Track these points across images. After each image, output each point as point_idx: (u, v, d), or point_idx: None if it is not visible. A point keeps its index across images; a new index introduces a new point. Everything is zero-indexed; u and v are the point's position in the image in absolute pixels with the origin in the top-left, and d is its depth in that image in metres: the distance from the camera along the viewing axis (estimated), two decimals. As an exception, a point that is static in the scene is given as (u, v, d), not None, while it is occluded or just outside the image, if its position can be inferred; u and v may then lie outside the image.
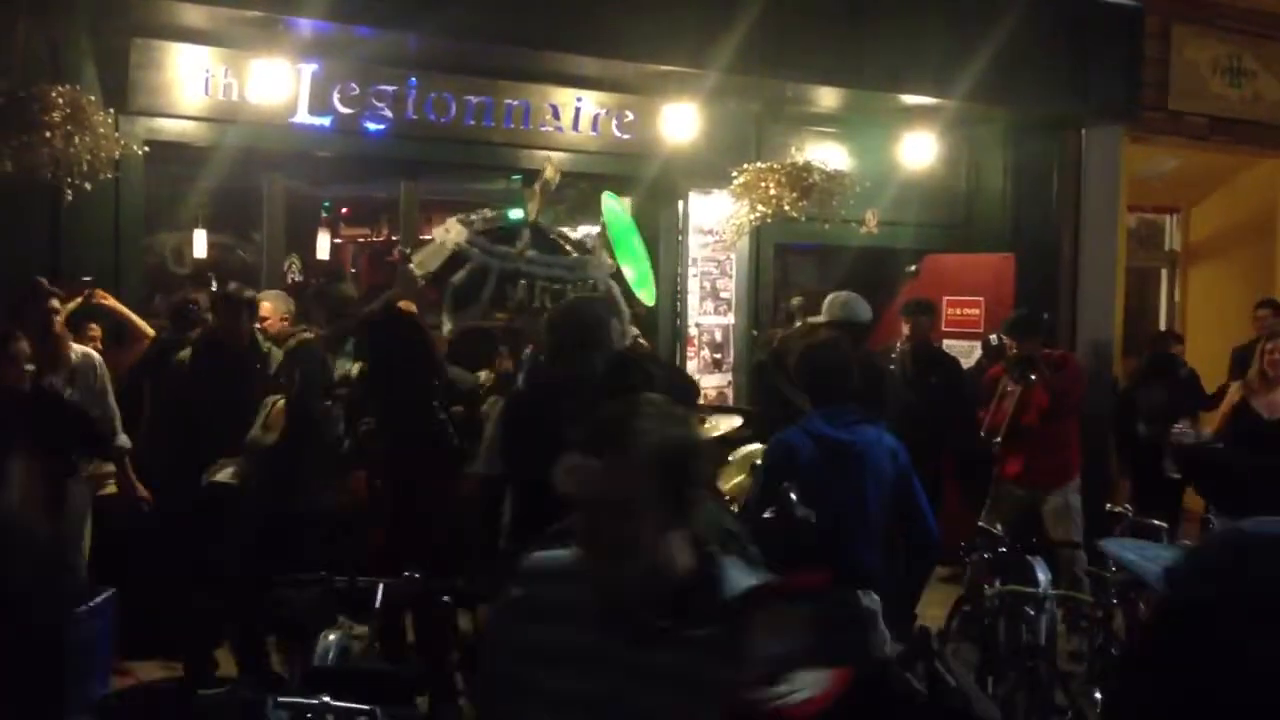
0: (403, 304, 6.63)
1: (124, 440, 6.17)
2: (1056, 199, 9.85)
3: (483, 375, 7.22)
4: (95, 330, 6.53)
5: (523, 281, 6.81)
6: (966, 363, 8.73)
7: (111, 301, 6.65)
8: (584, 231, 8.21)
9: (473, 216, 7.20)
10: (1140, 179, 10.53)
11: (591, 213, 8.46)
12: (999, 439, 7.24)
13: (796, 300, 8.71)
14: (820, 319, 7.42)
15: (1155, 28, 10.02)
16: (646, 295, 8.10)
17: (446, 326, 6.88)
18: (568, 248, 7.33)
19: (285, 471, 5.77)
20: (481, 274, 6.77)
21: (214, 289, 7.78)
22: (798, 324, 8.26)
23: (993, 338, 7.64)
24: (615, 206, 7.90)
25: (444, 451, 5.98)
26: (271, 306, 7.11)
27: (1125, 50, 9.38)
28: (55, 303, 6.00)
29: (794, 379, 4.82)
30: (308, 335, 6.89)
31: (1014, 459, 7.24)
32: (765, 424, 6.44)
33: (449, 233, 6.97)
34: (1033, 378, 7.10)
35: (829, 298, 7.18)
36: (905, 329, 8.14)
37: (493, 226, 7.09)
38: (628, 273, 7.77)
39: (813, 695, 2.14)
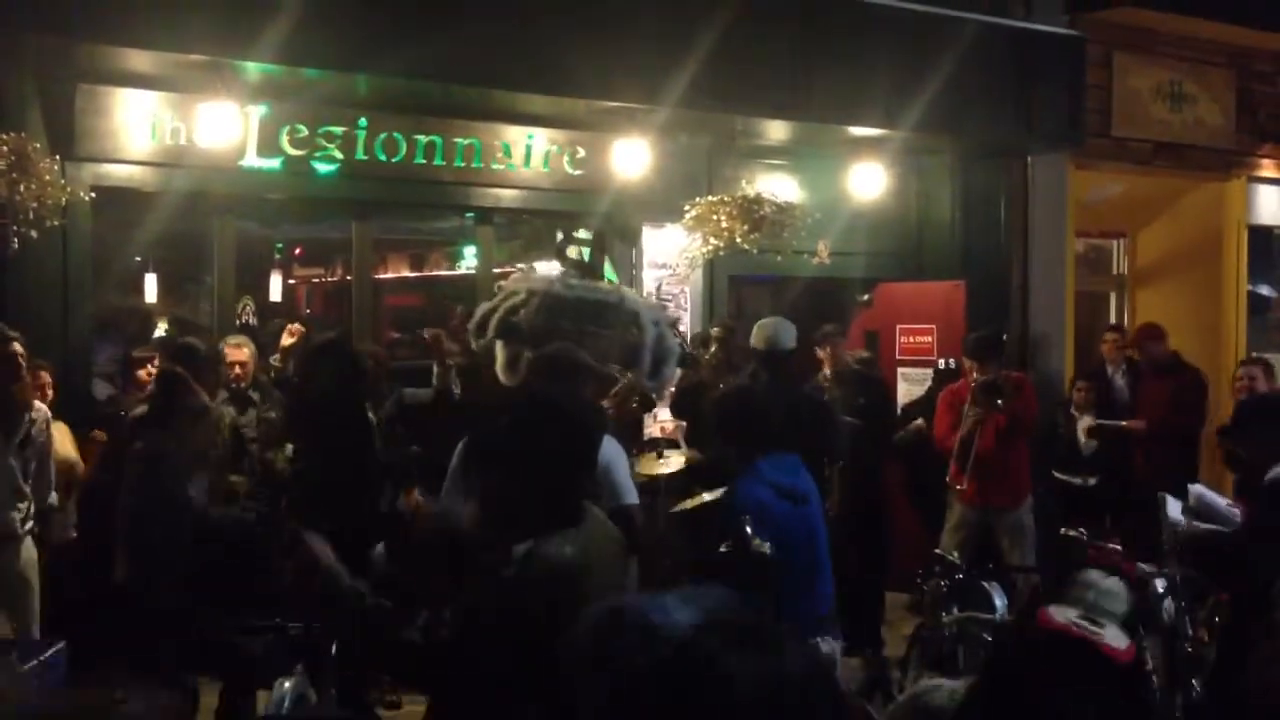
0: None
1: (54, 499, 6.05)
2: (1005, 226, 9.96)
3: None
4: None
5: None
6: (919, 390, 8.79)
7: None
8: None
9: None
10: (1087, 205, 10.66)
11: (545, 250, 8.43)
12: (953, 462, 7.28)
13: (716, 331, 8.39)
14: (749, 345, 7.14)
15: (1097, 56, 10.17)
16: None
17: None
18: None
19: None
20: None
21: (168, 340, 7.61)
22: (713, 348, 7.97)
23: (940, 363, 7.58)
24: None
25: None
26: (247, 352, 6.98)
27: (1068, 78, 9.51)
28: (18, 346, 5.72)
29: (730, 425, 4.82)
30: None
31: (969, 481, 7.29)
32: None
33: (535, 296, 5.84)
34: (999, 403, 7.15)
35: (757, 324, 6.98)
36: (823, 357, 7.86)
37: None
38: None
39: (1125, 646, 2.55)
